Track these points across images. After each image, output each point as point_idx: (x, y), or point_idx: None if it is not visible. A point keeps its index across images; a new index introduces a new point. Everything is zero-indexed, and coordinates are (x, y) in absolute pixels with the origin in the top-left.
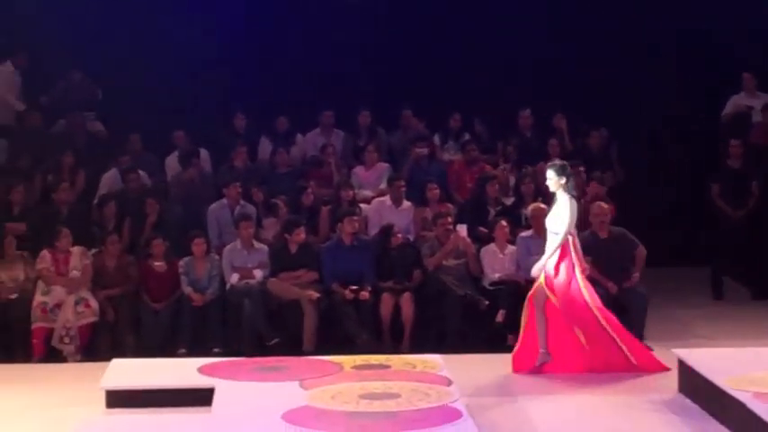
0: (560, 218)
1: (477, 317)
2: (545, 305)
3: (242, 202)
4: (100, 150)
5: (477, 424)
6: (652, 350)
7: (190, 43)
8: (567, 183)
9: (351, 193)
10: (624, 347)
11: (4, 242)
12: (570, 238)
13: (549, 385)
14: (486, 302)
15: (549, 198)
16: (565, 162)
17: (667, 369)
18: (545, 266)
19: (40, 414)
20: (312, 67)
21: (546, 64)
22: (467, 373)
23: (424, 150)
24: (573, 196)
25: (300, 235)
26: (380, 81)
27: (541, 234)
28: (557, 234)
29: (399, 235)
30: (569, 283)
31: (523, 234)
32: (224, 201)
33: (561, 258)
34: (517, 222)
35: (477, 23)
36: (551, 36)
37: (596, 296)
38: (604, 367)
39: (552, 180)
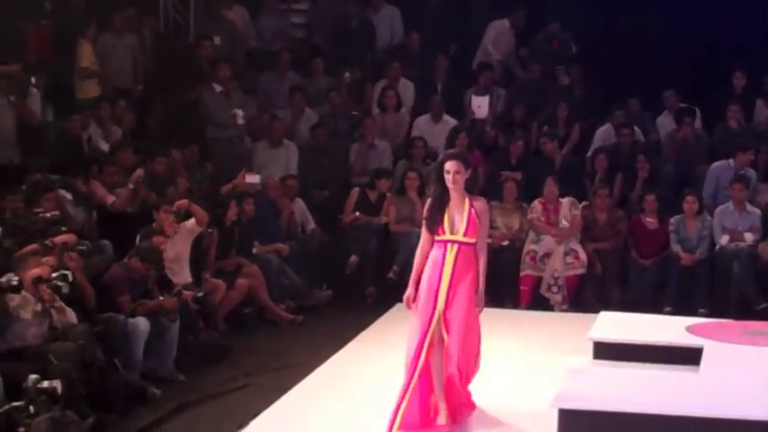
0: None
1: None
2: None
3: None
4: (596, 105)
5: None
6: None
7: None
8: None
9: None
10: None
11: (505, 188)
12: None
13: None
14: None
15: None
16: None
17: None
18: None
19: (527, 358)
20: None
21: None
22: None
23: None
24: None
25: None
26: None
27: None
28: None
29: None
30: None
31: None
32: (730, 162)
33: None
34: None
35: None
36: None
37: None
38: None
39: (459, 173)
